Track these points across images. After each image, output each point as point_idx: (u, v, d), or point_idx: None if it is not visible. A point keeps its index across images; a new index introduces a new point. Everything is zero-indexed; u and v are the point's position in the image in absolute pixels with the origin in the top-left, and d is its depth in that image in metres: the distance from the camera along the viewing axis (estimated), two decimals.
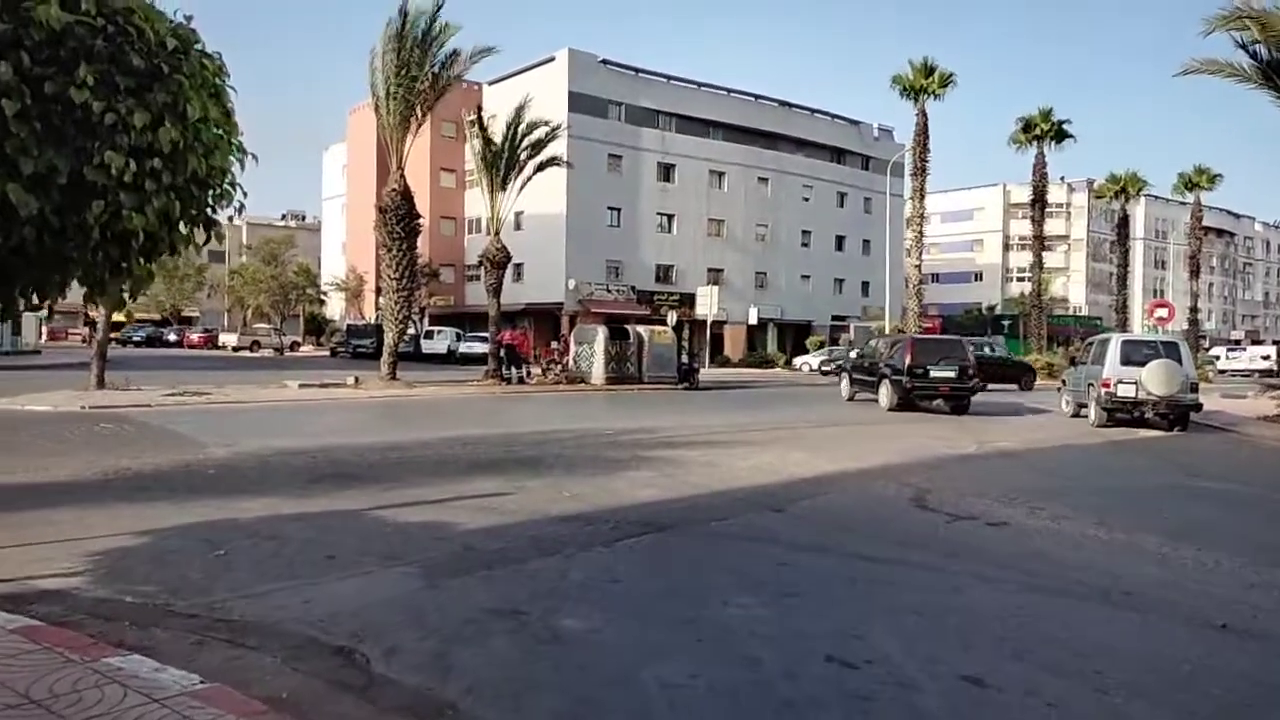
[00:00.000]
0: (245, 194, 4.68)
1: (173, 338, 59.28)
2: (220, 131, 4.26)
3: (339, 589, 5.64)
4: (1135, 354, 17.16)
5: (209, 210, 4.45)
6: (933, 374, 20.04)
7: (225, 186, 4.45)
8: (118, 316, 55.58)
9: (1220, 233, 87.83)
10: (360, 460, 10.95)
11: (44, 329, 57.89)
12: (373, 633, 4.81)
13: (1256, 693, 4.41)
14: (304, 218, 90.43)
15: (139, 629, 4.79)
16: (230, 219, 4.56)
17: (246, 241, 76.89)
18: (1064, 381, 21.38)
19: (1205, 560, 6.92)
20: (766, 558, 6.77)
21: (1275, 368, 52.13)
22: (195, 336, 58.48)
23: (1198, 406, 17.41)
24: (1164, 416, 17.28)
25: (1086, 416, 18.37)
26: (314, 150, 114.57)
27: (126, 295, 4.49)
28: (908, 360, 20.11)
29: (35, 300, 4.16)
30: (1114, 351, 17.36)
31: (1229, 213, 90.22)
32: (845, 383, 24.82)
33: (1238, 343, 70.11)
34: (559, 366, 29.14)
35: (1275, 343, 70.98)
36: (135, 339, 58.45)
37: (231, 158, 4.41)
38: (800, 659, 4.59)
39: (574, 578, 6.04)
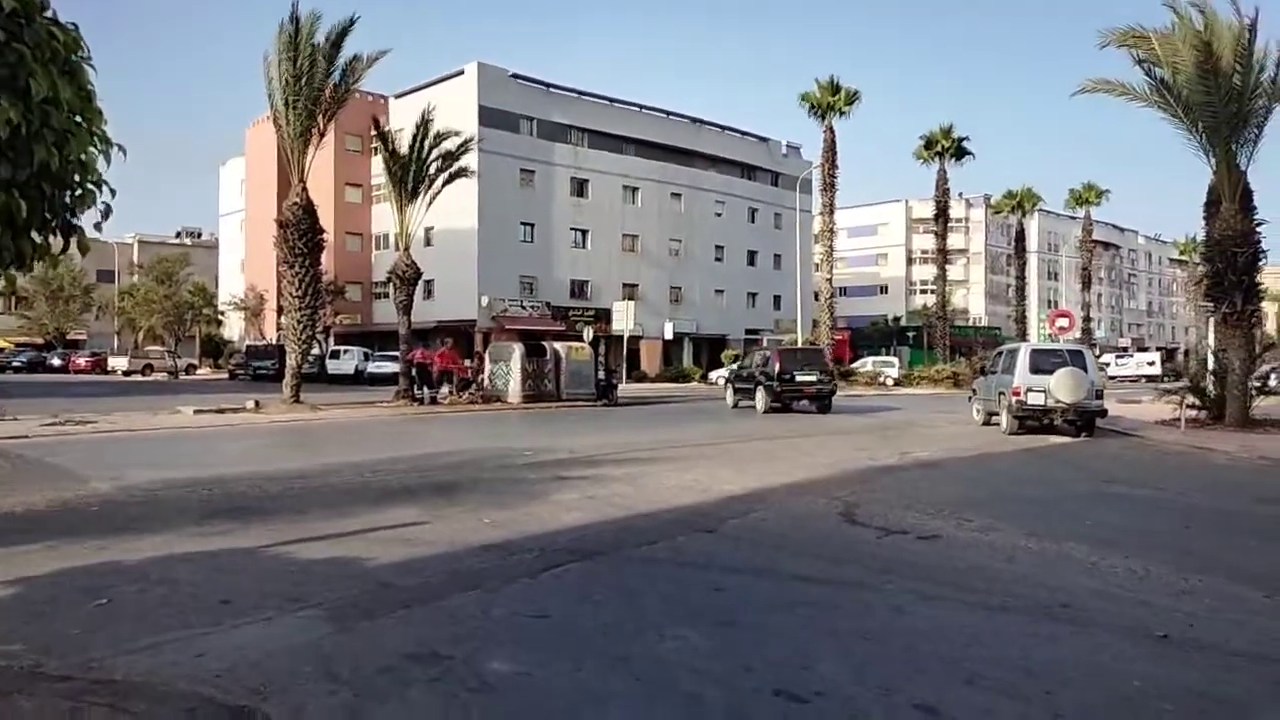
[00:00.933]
0: (114, 192, 3.89)
1: (57, 362, 55.60)
2: (77, 117, 3.51)
3: (237, 638, 5.08)
4: (1044, 363, 17.63)
5: (66, 214, 3.68)
6: (798, 379, 24.06)
7: (87, 185, 3.69)
8: None
9: (1107, 245, 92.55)
10: (261, 492, 10.21)
11: None
12: (276, 688, 4.30)
13: (1207, 707, 4.32)
14: (200, 235, 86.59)
15: None
16: (96, 225, 3.73)
17: (138, 260, 73.11)
18: (974, 391, 21.88)
19: (1135, 568, 6.93)
20: (701, 583, 6.47)
21: (1159, 373, 55.02)
22: (82, 360, 55.02)
23: (1103, 412, 17.98)
24: (1071, 423, 17.78)
25: (998, 424, 18.78)
26: (209, 165, 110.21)
27: None
28: (777, 368, 23.95)
29: None
30: (1024, 360, 17.80)
31: (1115, 226, 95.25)
32: (730, 392, 27.82)
33: (1125, 350, 73.79)
34: (474, 385, 28.41)
35: (1159, 349, 75.06)
36: (15, 364, 54.67)
37: (94, 149, 3.64)
38: (746, 695, 4.29)
39: (498, 614, 5.61)
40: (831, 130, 43.27)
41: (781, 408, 24.16)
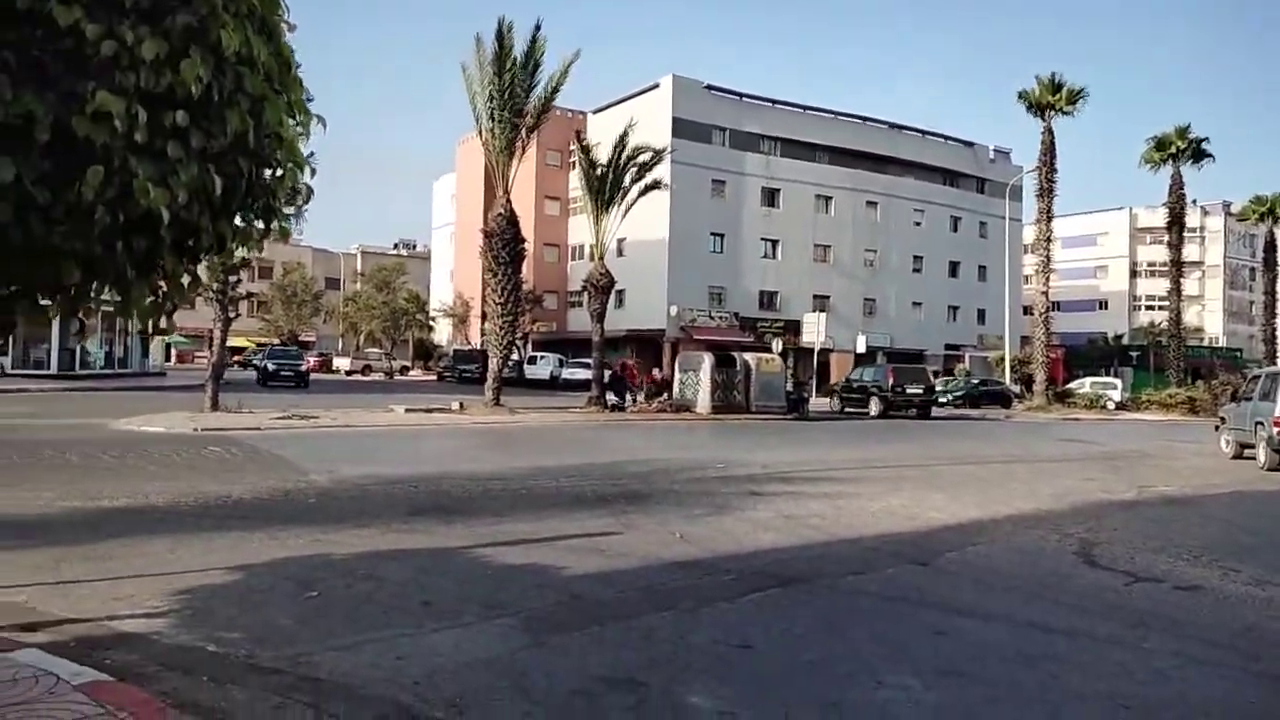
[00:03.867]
0: (314, 172, 3.58)
1: None
2: (275, 85, 3.19)
3: (435, 643, 5.01)
4: None
5: (269, 196, 3.36)
6: (908, 391, 28.95)
7: (289, 164, 3.35)
8: (239, 340, 57.74)
9: None
10: (461, 491, 10.44)
11: (173, 352, 60.94)
12: (472, 701, 4.17)
13: None
14: (414, 246, 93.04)
15: (216, 685, 4.27)
16: (298, 208, 3.50)
17: (360, 269, 79.51)
18: (1222, 419, 19.35)
19: None
20: (918, 624, 5.81)
21: None
22: (311, 360, 60.39)
23: None
24: None
25: (1253, 458, 16.44)
26: (425, 181, 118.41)
27: (164, 310, 3.36)
28: (890, 381, 28.95)
29: (37, 305, 3.19)
30: None
31: None
32: (836, 401, 32.14)
33: None
34: (665, 394, 28.46)
35: None
36: (254, 363, 60.77)
37: (294, 123, 3.34)
38: None
39: (696, 640, 5.24)
40: (1050, 131, 40.02)
41: (887, 411, 28.55)
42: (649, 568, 6.98)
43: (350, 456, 13.50)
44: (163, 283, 3.24)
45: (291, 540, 7.45)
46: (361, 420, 20.14)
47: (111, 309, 3.31)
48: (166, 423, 17.45)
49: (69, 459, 12.11)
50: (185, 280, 3.29)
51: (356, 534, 7.83)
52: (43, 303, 3.19)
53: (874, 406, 28.77)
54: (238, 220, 3.35)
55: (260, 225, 3.55)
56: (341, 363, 58.94)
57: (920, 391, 29.36)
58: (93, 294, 3.19)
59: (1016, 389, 44.01)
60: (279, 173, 3.36)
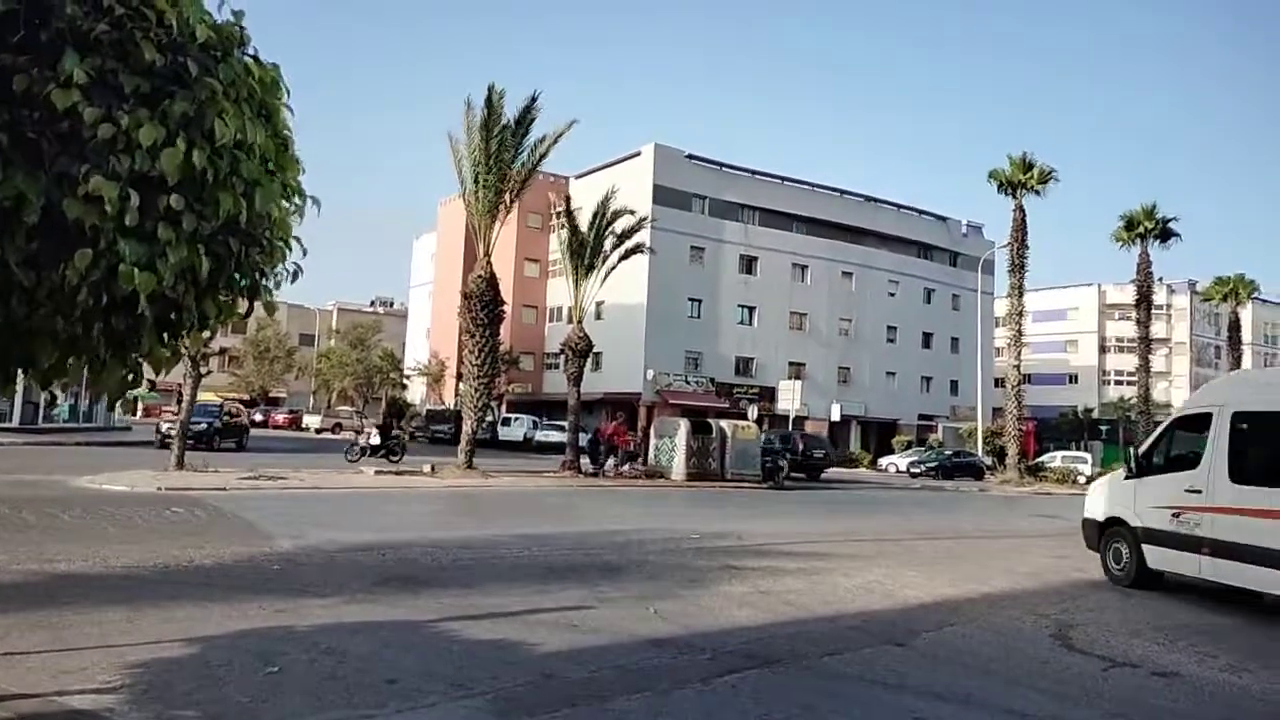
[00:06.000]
0: (305, 251, 3.53)
1: (259, 418, 60.50)
2: (269, 165, 3.19)
3: None
4: None
5: (255, 274, 3.32)
6: (814, 455, 33.84)
7: (277, 241, 3.34)
8: (208, 395, 56.92)
9: None
10: (431, 560, 10.21)
11: (140, 405, 59.87)
12: None
13: None
14: (392, 304, 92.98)
15: None
16: (276, 285, 3.36)
17: (336, 325, 79.15)
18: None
19: None
20: (896, 709, 5.69)
21: None
22: (280, 417, 59.58)
23: None
24: None
25: None
26: (405, 239, 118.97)
27: (135, 384, 3.27)
28: (801, 446, 33.24)
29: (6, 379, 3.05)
30: None
31: None
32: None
33: None
34: (639, 459, 28.27)
35: None
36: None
37: (285, 202, 3.31)
38: None
39: None
40: (1022, 209, 41.06)
41: (792, 473, 30.87)
42: (623, 645, 6.82)
43: (317, 520, 13.20)
44: (141, 360, 3.15)
45: (253, 610, 7.21)
46: (330, 482, 19.77)
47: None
48: (130, 481, 17.03)
49: (25, 519, 11.73)
50: (164, 356, 3.20)
51: (321, 604, 7.60)
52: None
53: (784, 467, 30.61)
54: (222, 295, 3.32)
55: (244, 302, 3.49)
56: (312, 420, 58.14)
57: (820, 456, 34.28)
58: (68, 370, 3.09)
59: (989, 461, 44.25)
60: (268, 249, 3.31)
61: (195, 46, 2.78)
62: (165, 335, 3.18)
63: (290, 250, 3.49)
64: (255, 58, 3.05)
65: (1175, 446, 10.76)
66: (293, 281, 3.46)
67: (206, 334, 3.42)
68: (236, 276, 3.25)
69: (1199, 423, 10.27)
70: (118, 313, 2.85)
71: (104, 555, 9.28)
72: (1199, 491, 9.80)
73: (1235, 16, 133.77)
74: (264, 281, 3.34)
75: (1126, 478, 11.25)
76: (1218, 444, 9.72)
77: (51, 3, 2.58)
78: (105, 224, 2.68)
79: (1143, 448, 11.29)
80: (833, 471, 40.32)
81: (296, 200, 3.45)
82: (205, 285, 3.00)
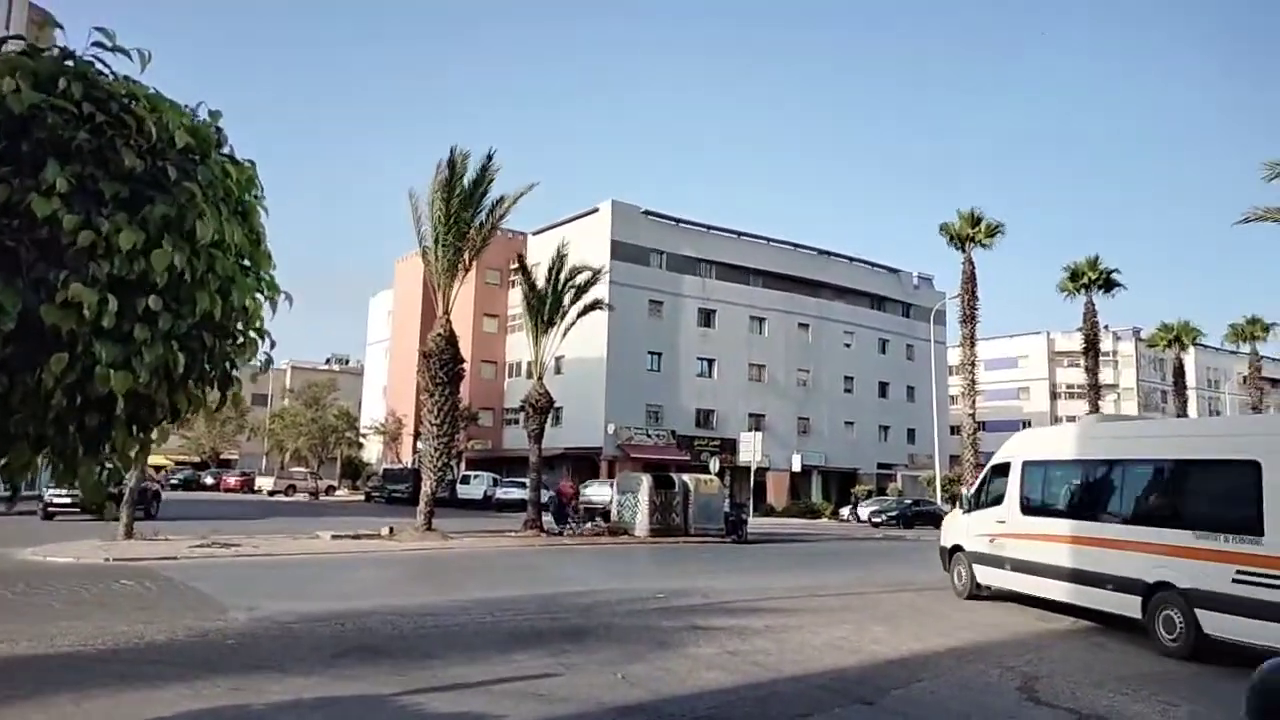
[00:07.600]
0: (274, 343, 3.55)
1: (210, 480, 58.96)
2: (244, 261, 3.23)
3: None
4: None
5: (227, 364, 3.33)
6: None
7: (249, 334, 3.36)
8: (157, 458, 55.38)
9: (1275, 382, 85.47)
10: (391, 629, 9.97)
11: None
12: None
13: None
14: (347, 361, 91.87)
15: None
16: (253, 376, 3.39)
17: (290, 385, 77.84)
18: None
19: None
20: None
21: None
22: (232, 480, 58.08)
23: None
24: None
25: None
26: (361, 297, 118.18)
27: (113, 481, 3.22)
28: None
29: None
30: None
31: None
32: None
33: None
34: (598, 515, 28.05)
35: None
36: (173, 482, 58.24)
37: (259, 296, 3.32)
38: None
39: None
40: (971, 262, 42.28)
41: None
42: (590, 715, 6.70)
43: (272, 590, 12.84)
44: (111, 455, 3.10)
45: (208, 689, 6.97)
46: (285, 548, 19.26)
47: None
48: (76, 551, 16.45)
49: None
50: (134, 452, 3.15)
51: (278, 680, 7.37)
52: None
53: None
54: (193, 388, 3.28)
55: (214, 392, 3.46)
56: (265, 482, 56.78)
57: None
58: (34, 466, 3.03)
59: (947, 509, 44.66)
60: (240, 342, 3.31)
61: (174, 151, 2.80)
62: (135, 429, 3.12)
63: (262, 341, 3.47)
64: (231, 157, 3.07)
65: (992, 488, 13.87)
66: (264, 371, 3.44)
67: (184, 425, 3.40)
68: (208, 368, 3.22)
69: (1005, 470, 13.49)
70: (91, 411, 2.80)
71: (50, 634, 8.93)
72: (1004, 522, 13.15)
73: (1180, 69, 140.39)
74: (234, 372, 3.32)
75: (964, 512, 14.53)
76: (1013, 486, 13.10)
77: (33, 114, 2.58)
78: (82, 328, 2.65)
79: (972, 489, 14.84)
80: (794, 523, 40.41)
81: (269, 293, 3.44)
82: (178, 380, 2.97)
